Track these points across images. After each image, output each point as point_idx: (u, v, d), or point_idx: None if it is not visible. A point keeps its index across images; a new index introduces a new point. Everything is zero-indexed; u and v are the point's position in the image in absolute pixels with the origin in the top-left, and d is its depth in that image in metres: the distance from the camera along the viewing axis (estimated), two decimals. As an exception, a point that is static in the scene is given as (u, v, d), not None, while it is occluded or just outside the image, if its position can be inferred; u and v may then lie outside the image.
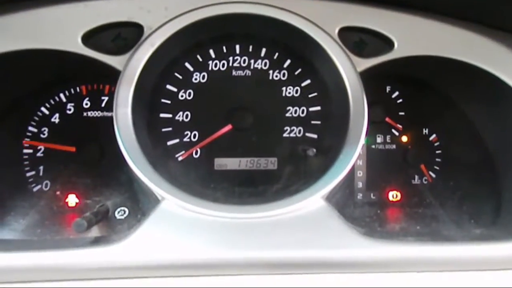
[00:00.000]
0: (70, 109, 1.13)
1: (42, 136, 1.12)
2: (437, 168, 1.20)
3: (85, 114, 1.13)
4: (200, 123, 1.05)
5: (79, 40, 0.90)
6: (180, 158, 1.04)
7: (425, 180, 1.20)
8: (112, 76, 0.93)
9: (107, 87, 1.14)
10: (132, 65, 0.91)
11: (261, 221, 0.86)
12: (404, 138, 1.20)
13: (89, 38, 0.92)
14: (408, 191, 1.18)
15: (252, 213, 0.86)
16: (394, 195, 1.18)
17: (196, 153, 1.06)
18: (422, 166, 1.19)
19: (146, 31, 0.92)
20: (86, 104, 1.13)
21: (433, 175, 1.20)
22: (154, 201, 0.90)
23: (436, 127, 1.20)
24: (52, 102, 1.13)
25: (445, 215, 1.05)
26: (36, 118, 1.13)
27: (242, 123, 1.05)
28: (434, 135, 1.20)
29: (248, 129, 1.05)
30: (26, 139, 1.12)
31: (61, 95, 1.13)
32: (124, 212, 1.00)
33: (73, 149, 1.10)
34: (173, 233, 0.84)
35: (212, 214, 0.85)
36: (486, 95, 1.07)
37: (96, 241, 0.85)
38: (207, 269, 0.85)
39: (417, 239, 0.88)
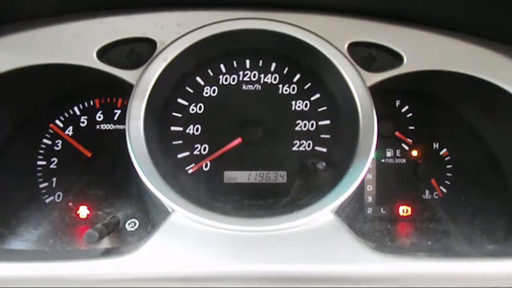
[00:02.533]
0: (83, 122, 1.16)
1: (56, 148, 1.14)
2: (448, 182, 1.19)
3: (98, 127, 1.15)
4: (210, 137, 1.06)
5: (95, 55, 0.93)
6: (190, 171, 1.05)
7: (436, 195, 1.19)
8: (125, 90, 0.95)
9: (119, 100, 1.16)
10: (145, 79, 0.94)
11: (271, 234, 0.86)
12: (414, 153, 1.19)
13: (104, 53, 0.94)
14: (418, 206, 1.16)
15: (261, 226, 0.86)
16: (404, 210, 1.17)
17: (206, 166, 1.06)
18: (433, 181, 1.18)
19: (159, 47, 0.95)
20: (99, 117, 1.16)
21: (444, 190, 1.19)
22: (164, 213, 0.90)
23: (446, 142, 1.19)
24: (66, 115, 1.16)
25: (456, 231, 1.04)
26: (51, 131, 1.15)
27: (252, 136, 1.06)
28: (444, 150, 1.20)
29: (258, 142, 1.06)
30: (42, 145, 1.14)
31: (75, 108, 1.16)
32: (135, 224, 1.01)
33: (88, 153, 1.13)
34: (183, 245, 0.85)
35: (221, 227, 0.86)
36: (496, 109, 1.07)
37: (107, 253, 0.86)
38: (216, 282, 0.85)
39: (429, 254, 0.87)
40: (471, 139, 1.17)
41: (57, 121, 1.15)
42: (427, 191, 1.19)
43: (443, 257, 0.86)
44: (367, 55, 0.98)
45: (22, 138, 1.12)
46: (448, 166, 1.19)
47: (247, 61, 1.08)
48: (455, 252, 0.91)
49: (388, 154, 1.19)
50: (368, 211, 1.17)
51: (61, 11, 0.94)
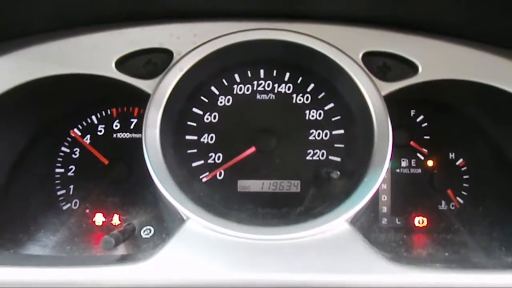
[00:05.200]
0: (101, 131, 1.18)
1: (73, 156, 1.17)
2: (465, 193, 1.17)
3: (114, 135, 1.17)
4: (225, 145, 1.07)
5: (113, 65, 0.95)
6: (204, 179, 1.06)
7: (453, 205, 1.17)
8: (141, 99, 0.97)
9: (136, 109, 1.19)
10: (162, 89, 0.95)
11: (285, 243, 0.86)
12: (430, 163, 1.18)
13: (122, 63, 0.97)
14: (434, 217, 1.15)
15: (275, 235, 0.86)
16: (420, 221, 1.15)
17: (220, 175, 1.07)
18: (449, 191, 1.17)
19: (176, 57, 0.96)
20: (116, 126, 1.18)
21: (461, 201, 1.17)
22: (179, 220, 0.91)
23: (463, 152, 1.18)
24: (84, 124, 1.18)
25: (474, 242, 1.02)
26: (69, 139, 1.18)
27: (266, 145, 1.06)
28: (461, 160, 1.18)
29: (272, 151, 1.07)
30: (60, 153, 1.17)
31: (93, 117, 1.19)
32: (150, 231, 1.02)
33: (106, 161, 1.15)
34: (197, 253, 0.85)
35: (236, 235, 0.86)
36: (513, 119, 1.06)
37: (123, 259, 0.86)
38: (230, 290, 0.85)
39: (446, 266, 0.85)
40: (488, 149, 1.15)
41: (76, 130, 1.18)
42: (443, 202, 1.17)
43: (460, 268, 0.84)
44: (381, 64, 0.98)
45: (41, 146, 1.15)
46: (464, 177, 1.18)
47: (261, 71, 1.09)
48: (473, 264, 0.89)
49: (403, 164, 1.18)
50: (383, 222, 1.16)
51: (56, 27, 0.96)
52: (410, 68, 0.97)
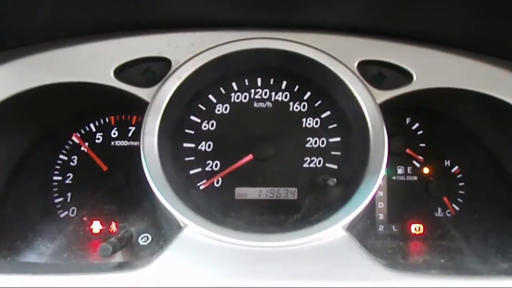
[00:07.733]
0: (99, 138, 1.19)
1: (71, 164, 1.17)
2: (461, 200, 1.18)
3: (112, 143, 1.18)
4: (222, 153, 1.08)
5: (112, 73, 0.96)
6: (201, 187, 1.07)
7: (448, 212, 1.18)
8: (139, 107, 0.98)
9: (134, 117, 1.19)
10: (160, 97, 0.96)
11: (282, 250, 0.86)
12: (426, 170, 1.19)
13: (120, 72, 0.97)
14: (431, 224, 1.15)
15: (272, 242, 0.86)
16: (416, 228, 1.16)
17: (217, 182, 1.08)
18: (445, 199, 1.18)
19: (174, 65, 0.98)
20: (114, 134, 1.19)
21: (457, 208, 1.18)
22: (177, 228, 0.91)
23: (458, 159, 1.19)
24: (83, 132, 1.19)
25: (470, 249, 1.02)
26: (67, 147, 1.18)
27: (263, 153, 1.07)
28: (456, 167, 1.19)
29: (269, 159, 1.07)
30: (58, 161, 1.18)
31: (91, 125, 1.19)
32: (147, 239, 1.02)
33: (105, 167, 1.15)
34: (194, 260, 0.85)
35: (233, 242, 0.86)
36: (507, 127, 1.07)
37: (120, 266, 0.86)
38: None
39: (442, 272, 0.86)
40: (483, 157, 1.16)
41: (74, 138, 1.18)
42: (439, 209, 1.18)
43: (456, 274, 0.85)
44: (376, 73, 0.99)
45: (39, 153, 1.15)
46: (460, 184, 1.18)
47: (259, 79, 1.10)
48: (468, 270, 0.89)
49: (399, 171, 1.19)
50: (380, 229, 1.16)
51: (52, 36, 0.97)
52: (405, 76, 0.98)
